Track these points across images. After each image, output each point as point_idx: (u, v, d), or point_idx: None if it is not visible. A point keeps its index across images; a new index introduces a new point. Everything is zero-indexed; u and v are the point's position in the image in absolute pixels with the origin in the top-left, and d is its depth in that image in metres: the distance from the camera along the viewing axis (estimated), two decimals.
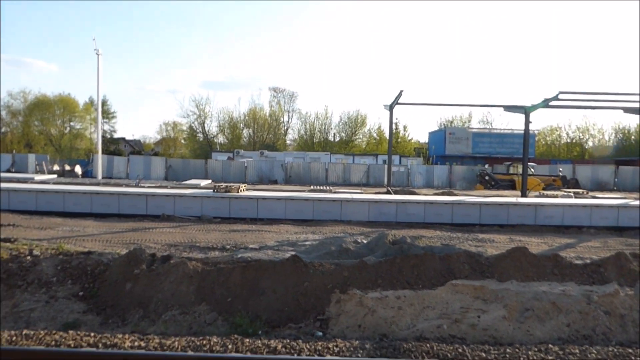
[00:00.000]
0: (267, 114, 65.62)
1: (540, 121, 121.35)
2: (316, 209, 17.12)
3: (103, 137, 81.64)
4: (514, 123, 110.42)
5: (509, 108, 22.92)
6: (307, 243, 12.07)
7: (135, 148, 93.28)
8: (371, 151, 62.64)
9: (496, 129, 55.92)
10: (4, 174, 23.23)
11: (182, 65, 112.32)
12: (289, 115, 68.65)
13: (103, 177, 30.98)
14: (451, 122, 65.24)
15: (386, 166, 33.87)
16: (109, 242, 11.93)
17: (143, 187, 21.32)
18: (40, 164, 33.97)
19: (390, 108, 23.88)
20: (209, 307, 8.28)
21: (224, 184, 18.69)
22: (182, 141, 78.63)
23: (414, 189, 27.14)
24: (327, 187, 24.09)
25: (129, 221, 15.26)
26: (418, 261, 9.13)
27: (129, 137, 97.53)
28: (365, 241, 11.74)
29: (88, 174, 35.38)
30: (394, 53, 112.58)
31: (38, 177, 23.77)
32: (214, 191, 17.79)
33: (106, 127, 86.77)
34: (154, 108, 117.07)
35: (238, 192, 17.67)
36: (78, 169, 35.80)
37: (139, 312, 8.27)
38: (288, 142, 70.76)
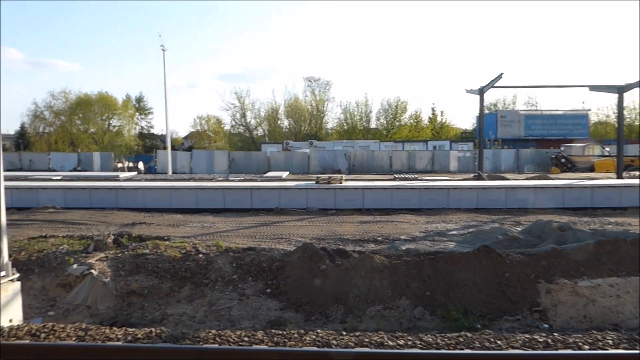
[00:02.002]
0: (309, 104, 65.23)
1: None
2: (423, 198, 16.79)
3: (140, 132, 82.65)
4: (563, 104, 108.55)
5: (597, 88, 22.16)
6: (453, 232, 11.76)
7: (165, 143, 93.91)
8: (413, 138, 61.97)
9: (546, 110, 54.64)
10: (90, 173, 23.45)
11: (199, 59, 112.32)
12: (325, 104, 68.19)
13: (166, 173, 31.10)
14: (495, 105, 64.04)
15: (452, 152, 33.39)
16: (253, 237, 11.79)
17: (233, 180, 21.25)
18: (122, 162, 34.32)
19: (481, 92, 23.37)
20: (411, 301, 8.05)
21: (326, 175, 18.47)
22: (210, 134, 78.50)
23: (502, 174, 26.52)
24: (411, 175, 23.70)
25: (246, 215, 15.15)
26: (612, 247, 8.74)
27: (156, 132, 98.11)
28: (519, 229, 11.37)
29: (151, 170, 35.61)
30: (423, 37, 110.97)
31: (123, 175, 23.91)
32: (315, 182, 17.58)
33: (143, 123, 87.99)
34: (175, 102, 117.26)
35: (340, 182, 17.42)
36: (141, 165, 36.10)
37: (339, 308, 8.08)
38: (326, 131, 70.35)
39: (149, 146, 79.01)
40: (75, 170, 33.97)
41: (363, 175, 27.99)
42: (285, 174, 24.65)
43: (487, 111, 60.03)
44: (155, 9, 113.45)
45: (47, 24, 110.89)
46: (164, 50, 30.14)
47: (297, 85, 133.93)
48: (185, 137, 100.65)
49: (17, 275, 7.72)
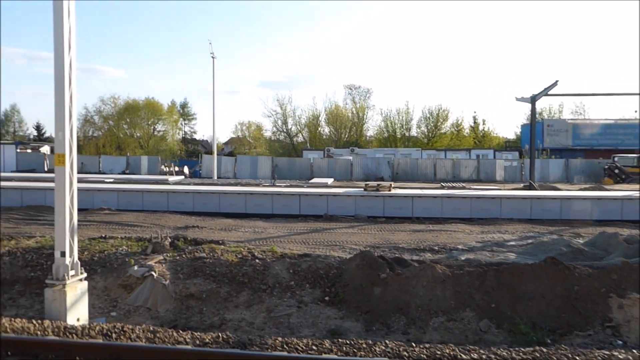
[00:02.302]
0: (349, 111, 65.16)
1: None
2: (474, 207, 16.41)
3: (183, 137, 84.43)
4: (613, 112, 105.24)
5: None
6: (512, 243, 11.40)
7: (206, 148, 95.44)
8: (454, 146, 60.97)
9: (595, 119, 52.84)
10: (140, 176, 24.04)
11: (240, 66, 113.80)
12: (365, 112, 67.93)
13: (212, 178, 31.52)
14: (540, 114, 62.33)
15: (498, 161, 32.67)
16: (305, 243, 11.74)
17: (279, 186, 21.33)
18: (168, 166, 35.12)
19: (533, 100, 22.80)
20: (475, 313, 7.81)
21: (374, 183, 18.32)
22: (249, 139, 79.36)
23: (552, 184, 25.74)
24: (458, 184, 23.25)
25: (295, 221, 15.14)
26: None
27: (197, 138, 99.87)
28: (580, 241, 10.93)
29: (196, 174, 36.25)
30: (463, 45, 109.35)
31: (172, 179, 24.39)
32: (364, 190, 17.44)
33: (186, 128, 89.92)
34: (215, 109, 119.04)
35: (389, 190, 17.22)
36: (186, 169, 36.78)
37: (401, 318, 7.90)
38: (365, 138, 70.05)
39: (191, 151, 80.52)
40: (123, 173, 34.89)
41: (408, 183, 27.63)
42: (329, 181, 24.61)
43: (527, 120, 58.66)
44: (196, 17, 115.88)
45: (97, 31, 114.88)
46: (213, 58, 30.66)
47: (338, 92, 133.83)
48: (226, 143, 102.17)
49: (85, 275, 7.90)
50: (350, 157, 36.08)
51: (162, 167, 35.90)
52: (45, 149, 42.93)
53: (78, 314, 7.79)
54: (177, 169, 37.01)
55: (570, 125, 49.26)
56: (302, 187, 20.88)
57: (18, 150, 38.86)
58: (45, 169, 36.43)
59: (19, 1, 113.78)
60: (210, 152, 55.87)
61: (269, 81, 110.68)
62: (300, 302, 8.45)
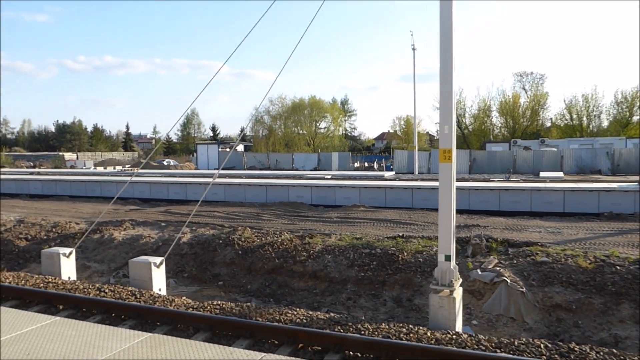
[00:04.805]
0: (525, 99, 60.58)
1: None
2: None
3: (345, 134, 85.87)
4: None
5: None
6: None
7: (360, 144, 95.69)
8: None
9: None
10: (353, 172, 24.21)
11: (378, 61, 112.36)
12: (545, 99, 62.47)
13: (413, 173, 30.81)
14: None
15: None
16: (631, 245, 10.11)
17: (515, 181, 19.75)
18: (356, 162, 35.53)
19: None
20: None
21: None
22: (398, 134, 77.64)
23: None
24: None
25: (583, 219, 13.56)
26: None
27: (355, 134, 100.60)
28: None
29: (387, 169, 35.93)
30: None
31: (387, 174, 24.20)
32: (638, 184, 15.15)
33: (346, 125, 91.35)
34: (358, 105, 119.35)
35: None
36: (376, 165, 36.71)
37: None
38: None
39: (351, 147, 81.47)
40: (315, 169, 35.77)
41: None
42: (559, 174, 22.35)
43: None
44: (331, 15, 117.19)
45: (251, 39, 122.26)
46: (414, 49, 29.92)
47: (506, 80, 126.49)
48: (376, 138, 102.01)
49: (461, 280, 7.28)
50: (554, 149, 32.91)
51: (355, 163, 36.11)
52: (240, 147, 46.07)
53: (459, 323, 7.20)
54: (366, 164, 37.05)
55: None
56: (536, 181, 19.04)
57: (219, 150, 42.06)
58: (244, 167, 38.89)
59: (183, 18, 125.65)
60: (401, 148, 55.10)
61: (409, 75, 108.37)
62: None
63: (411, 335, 6.04)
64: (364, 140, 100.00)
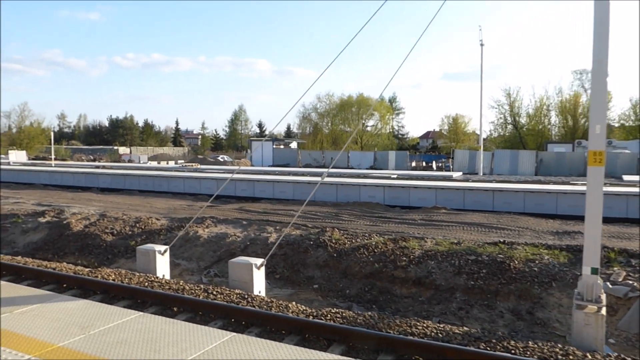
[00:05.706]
0: (587, 99, 58.10)
1: None
2: None
3: (392, 132, 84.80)
4: None
5: None
6: None
7: (404, 142, 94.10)
8: None
9: None
10: (419, 172, 23.59)
11: (421, 59, 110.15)
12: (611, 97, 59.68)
13: (464, 173, 29.87)
14: None
15: None
16: None
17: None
18: (430, 162, 34.88)
19: None
20: None
21: None
22: (444, 133, 75.83)
23: None
24: None
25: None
26: None
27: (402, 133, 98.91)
28: None
29: (446, 168, 35.02)
30: None
31: (455, 175, 23.48)
32: None
33: (394, 123, 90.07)
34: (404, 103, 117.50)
35: None
36: (434, 164, 35.85)
37: None
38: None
39: (398, 145, 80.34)
40: (371, 168, 35.18)
41: None
42: (634, 178, 21.01)
43: None
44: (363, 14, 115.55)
45: (291, 36, 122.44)
46: (482, 45, 28.91)
47: (564, 79, 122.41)
48: (421, 137, 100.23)
49: (605, 294, 6.62)
50: (627, 151, 31.21)
51: (412, 162, 35.33)
52: (294, 144, 46.01)
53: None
54: (424, 164, 36.19)
55: None
56: (635, 186, 17.87)
57: (274, 147, 42.06)
58: (298, 164, 38.69)
59: (224, 18, 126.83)
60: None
61: (452, 73, 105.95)
62: None
63: (570, 357, 5.45)
64: (408, 139, 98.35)
